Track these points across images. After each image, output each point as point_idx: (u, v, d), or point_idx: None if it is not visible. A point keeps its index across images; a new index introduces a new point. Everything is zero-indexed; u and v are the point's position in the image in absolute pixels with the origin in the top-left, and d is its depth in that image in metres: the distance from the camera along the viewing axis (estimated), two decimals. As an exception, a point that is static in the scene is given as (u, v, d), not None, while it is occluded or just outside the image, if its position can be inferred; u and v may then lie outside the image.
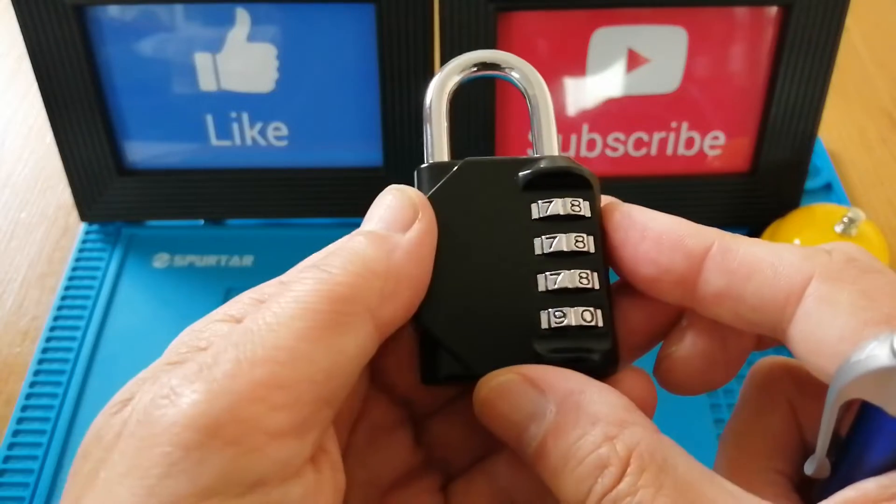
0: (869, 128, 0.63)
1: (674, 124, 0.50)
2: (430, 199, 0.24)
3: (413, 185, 0.25)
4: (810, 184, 0.56)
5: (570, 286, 0.23)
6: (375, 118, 0.50)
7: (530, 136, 0.27)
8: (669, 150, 0.51)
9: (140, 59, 0.48)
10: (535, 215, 0.24)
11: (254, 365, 0.18)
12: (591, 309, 0.23)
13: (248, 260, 0.52)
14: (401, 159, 0.51)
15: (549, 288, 0.23)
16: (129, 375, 0.21)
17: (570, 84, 0.49)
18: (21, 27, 0.47)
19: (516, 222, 0.24)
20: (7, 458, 0.43)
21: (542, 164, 0.24)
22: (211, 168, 0.52)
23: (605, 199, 0.25)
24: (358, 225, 0.25)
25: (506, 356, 0.22)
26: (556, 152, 0.26)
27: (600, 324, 0.23)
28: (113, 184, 0.52)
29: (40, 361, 0.47)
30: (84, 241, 0.53)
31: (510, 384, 0.22)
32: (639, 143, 0.51)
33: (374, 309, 0.20)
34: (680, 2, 0.47)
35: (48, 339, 0.48)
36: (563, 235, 0.24)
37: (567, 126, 0.50)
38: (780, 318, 0.21)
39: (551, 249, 0.23)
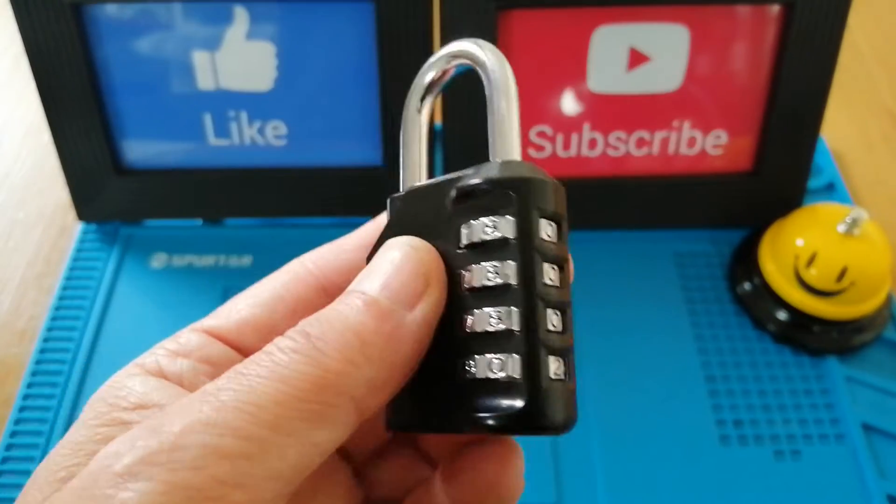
0: (872, 127, 0.62)
1: (676, 123, 0.50)
2: (380, 238, 0.22)
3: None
4: (813, 183, 0.56)
5: (479, 329, 0.19)
6: (375, 117, 0.50)
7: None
8: (671, 150, 0.51)
9: (138, 57, 0.48)
10: (462, 242, 0.20)
11: (221, 457, 0.16)
12: (503, 356, 0.19)
13: (246, 260, 0.52)
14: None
15: (468, 330, 0.20)
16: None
17: (571, 83, 0.49)
18: (18, 26, 0.46)
19: (448, 252, 0.20)
20: (5, 460, 0.43)
21: (469, 179, 0.20)
22: (209, 167, 0.52)
23: None
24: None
25: (444, 411, 0.20)
26: (515, 155, 0.21)
27: (515, 375, 0.19)
28: (110, 183, 0.52)
29: (38, 362, 0.47)
30: (82, 241, 0.53)
31: None
32: (640, 142, 0.51)
33: (359, 399, 0.18)
34: (682, 0, 0.46)
35: (45, 340, 0.48)
36: (477, 267, 0.20)
37: (568, 125, 0.50)
38: None
39: (470, 284, 0.20)
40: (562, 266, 0.20)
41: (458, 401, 0.20)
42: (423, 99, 0.24)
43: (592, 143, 0.51)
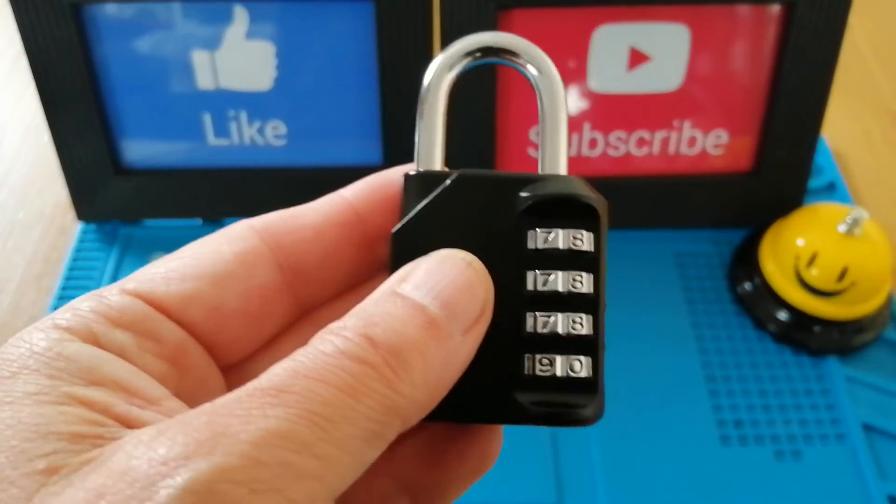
0: (872, 126, 0.62)
1: (676, 123, 0.50)
2: (417, 215, 0.22)
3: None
4: (813, 183, 0.56)
5: (561, 332, 0.21)
6: (375, 116, 0.50)
7: (537, 139, 0.25)
8: (672, 149, 0.51)
9: (137, 57, 0.48)
10: (531, 245, 0.21)
11: (297, 477, 0.16)
12: (581, 358, 0.21)
13: (246, 260, 0.52)
14: (400, 158, 0.50)
15: (539, 331, 0.21)
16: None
17: (572, 82, 0.49)
18: (18, 25, 0.46)
19: (510, 250, 0.21)
20: (3, 460, 0.43)
21: (546, 188, 0.22)
22: (209, 167, 0.52)
23: None
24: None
25: (485, 402, 0.21)
26: (563, 170, 0.23)
27: (588, 374, 0.21)
28: (110, 183, 0.52)
29: (37, 362, 0.46)
30: (81, 241, 0.53)
31: None
32: (641, 142, 0.51)
33: (407, 420, 0.18)
34: (682, 0, 0.46)
35: (45, 340, 0.47)
36: (561, 273, 0.21)
37: (568, 125, 0.50)
38: None
39: (545, 288, 0.21)
40: None
41: (509, 393, 0.21)
42: (456, 62, 0.23)
43: (593, 143, 0.51)
